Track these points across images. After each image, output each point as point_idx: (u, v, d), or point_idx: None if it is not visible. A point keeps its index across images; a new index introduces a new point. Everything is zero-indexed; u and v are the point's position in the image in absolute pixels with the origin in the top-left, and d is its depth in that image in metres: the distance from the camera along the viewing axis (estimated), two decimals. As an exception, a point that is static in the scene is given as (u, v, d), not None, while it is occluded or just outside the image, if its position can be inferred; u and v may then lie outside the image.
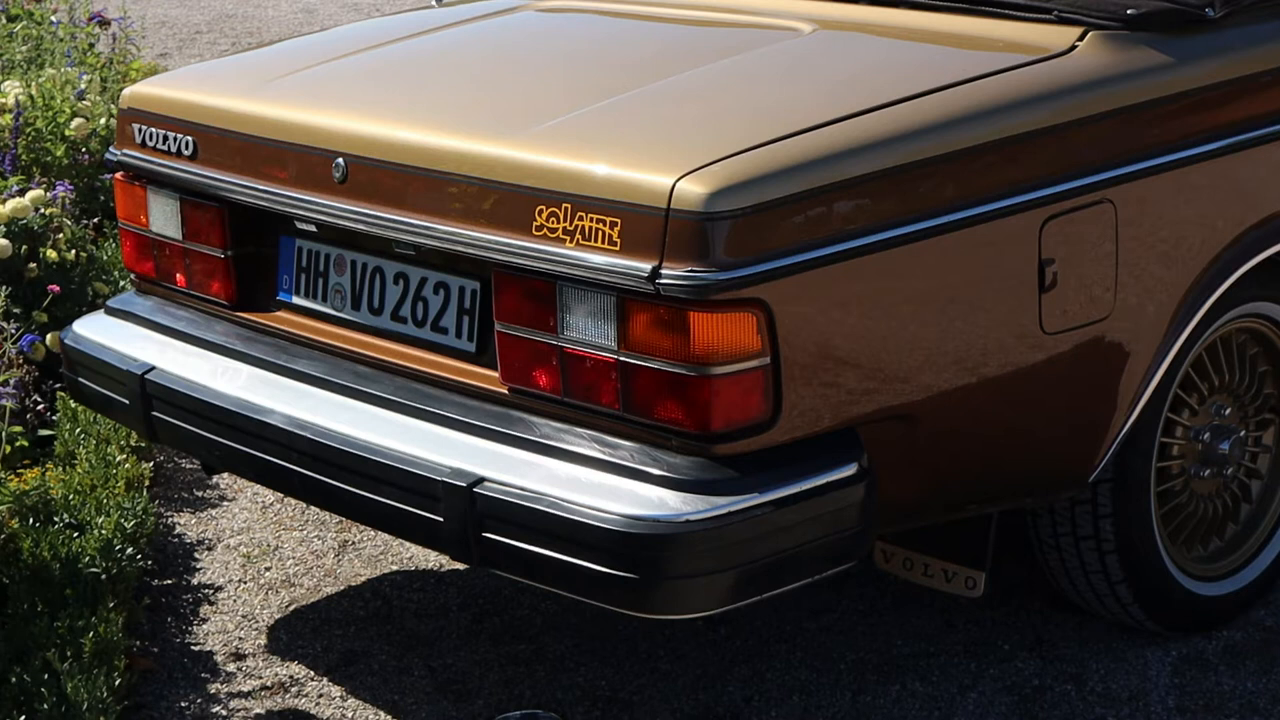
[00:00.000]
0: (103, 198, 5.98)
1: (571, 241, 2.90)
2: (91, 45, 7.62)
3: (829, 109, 3.04)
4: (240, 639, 3.87)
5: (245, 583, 4.12)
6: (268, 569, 4.18)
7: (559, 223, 2.92)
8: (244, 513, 4.50)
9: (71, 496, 3.93)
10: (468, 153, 3.10)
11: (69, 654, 3.38)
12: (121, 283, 5.12)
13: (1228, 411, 3.66)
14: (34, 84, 6.17)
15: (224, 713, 3.59)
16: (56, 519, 3.84)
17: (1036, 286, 3.14)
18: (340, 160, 3.25)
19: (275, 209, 3.42)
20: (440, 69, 3.72)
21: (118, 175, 3.78)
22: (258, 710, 3.60)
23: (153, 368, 3.53)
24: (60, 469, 4.18)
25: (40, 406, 4.49)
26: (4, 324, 4.45)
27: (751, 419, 2.88)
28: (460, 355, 3.23)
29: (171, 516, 4.47)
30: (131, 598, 3.84)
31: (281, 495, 4.44)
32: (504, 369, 3.10)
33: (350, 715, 3.56)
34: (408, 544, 4.19)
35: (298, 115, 3.41)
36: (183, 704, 3.61)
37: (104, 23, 7.89)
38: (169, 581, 4.14)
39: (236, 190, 3.48)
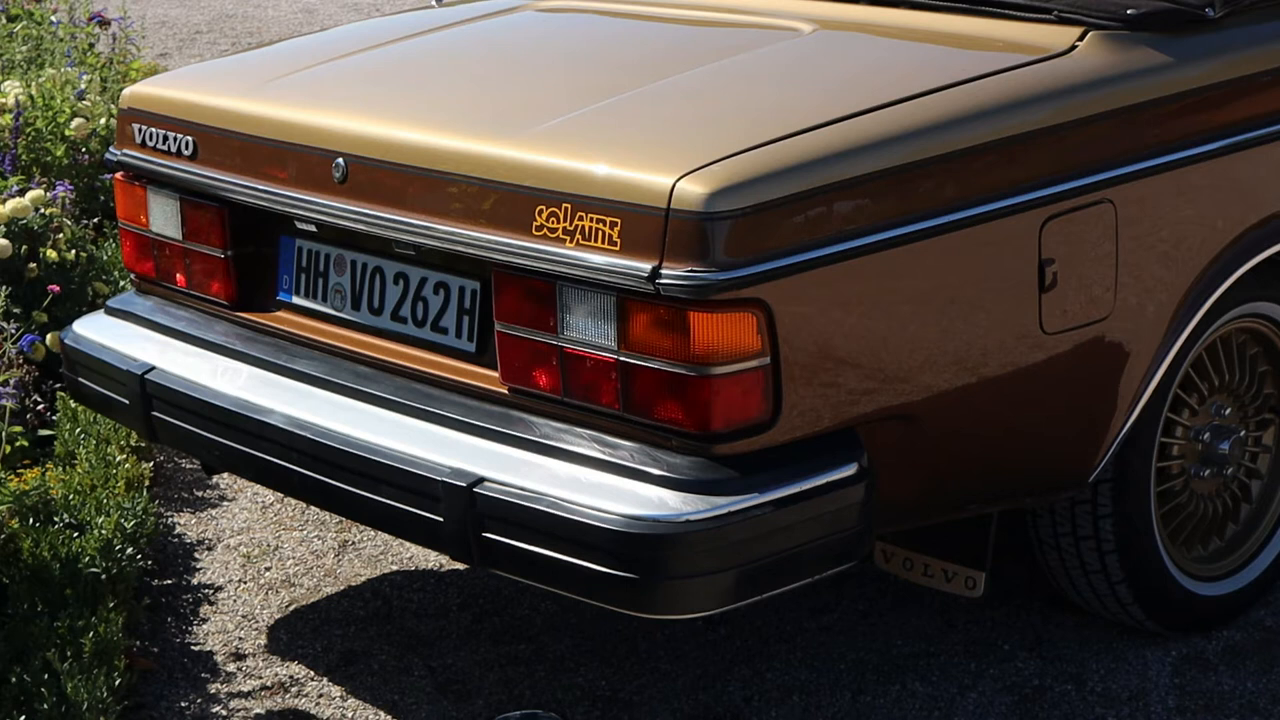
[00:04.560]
0: (103, 198, 5.98)
1: (571, 241, 2.90)
2: (91, 45, 7.62)
3: (829, 109, 3.04)
4: (240, 639, 3.87)
5: (245, 583, 4.12)
6: (268, 569, 4.18)
7: (559, 223, 2.92)
8: (244, 513, 4.50)
9: (71, 496, 3.93)
10: (468, 153, 3.10)
11: (69, 654, 3.37)
12: (121, 283, 5.12)
13: (1228, 411, 3.66)
14: (34, 84, 6.17)
15: (224, 713, 3.59)
16: (56, 519, 3.84)
17: (1036, 286, 3.14)
18: (340, 160, 3.25)
19: (275, 209, 3.42)
20: (440, 69, 3.72)
21: (118, 175, 3.78)
22: (258, 710, 3.60)
23: (153, 368, 3.53)
24: (60, 469, 4.18)
25: (40, 406, 4.49)
26: (4, 324, 4.45)
27: (751, 419, 2.88)
28: (460, 355, 3.23)
29: (171, 516, 4.47)
30: (131, 598, 3.84)
31: (281, 495, 4.44)
32: (504, 369, 3.10)
33: (350, 715, 3.56)
34: (408, 544, 4.19)
35: (298, 115, 3.41)
36: (183, 704, 3.61)
37: (104, 23, 7.89)
38: (169, 581, 4.14)
39: (236, 190, 3.48)
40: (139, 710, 3.58)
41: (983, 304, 3.11)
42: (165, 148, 3.62)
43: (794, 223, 2.87)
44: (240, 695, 3.65)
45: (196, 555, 4.27)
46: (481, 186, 3.05)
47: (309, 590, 4.07)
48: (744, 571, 2.87)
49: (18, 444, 4.16)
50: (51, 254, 4.97)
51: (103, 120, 6.17)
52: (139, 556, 3.89)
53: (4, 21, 7.58)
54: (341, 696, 3.63)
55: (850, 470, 2.94)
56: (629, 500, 2.85)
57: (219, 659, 3.79)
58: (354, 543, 4.28)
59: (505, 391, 3.11)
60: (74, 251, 5.07)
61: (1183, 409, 3.59)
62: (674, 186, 2.81)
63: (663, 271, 2.80)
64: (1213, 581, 3.74)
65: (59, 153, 5.93)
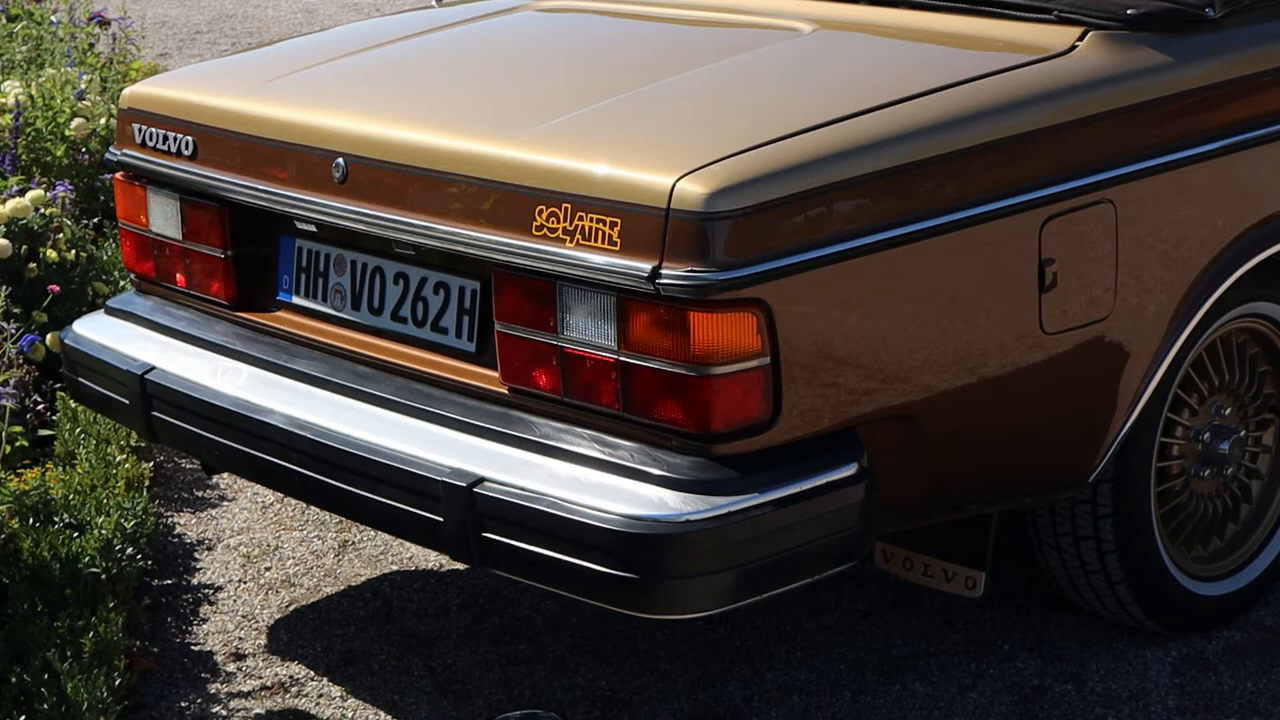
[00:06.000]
0: (103, 198, 5.98)
1: (571, 241, 2.90)
2: (91, 45, 7.62)
3: (829, 109, 3.04)
4: (240, 639, 3.87)
5: (245, 583, 4.12)
6: (268, 569, 4.18)
7: (559, 223, 2.92)
8: (244, 513, 4.50)
9: (71, 496, 3.93)
10: (468, 153, 3.10)
11: (69, 654, 3.38)
12: (121, 283, 5.12)
13: (1228, 411, 3.66)
14: (34, 84, 6.17)
15: (224, 713, 3.59)
16: (56, 519, 3.84)
17: (1036, 286, 3.14)
18: (340, 160, 3.26)
19: (275, 209, 3.42)
20: (440, 69, 3.72)
21: (118, 175, 3.78)
22: (258, 710, 3.60)
23: (153, 368, 3.53)
24: (60, 469, 4.18)
25: (40, 406, 4.49)
26: (4, 324, 4.45)
27: (751, 419, 2.88)
28: (460, 355, 3.23)
29: (171, 516, 4.47)
30: (131, 598, 3.84)
31: (281, 495, 4.44)
32: (504, 369, 3.10)
33: (350, 715, 3.56)
34: (408, 544, 4.19)
35: (298, 115, 3.41)
36: (183, 704, 3.61)
37: (104, 23, 7.89)
38: (169, 581, 4.14)
39: (236, 190, 3.48)
40: (139, 710, 3.58)
41: (983, 304, 3.11)
42: (165, 148, 3.63)
43: (794, 223, 2.87)
44: (240, 695, 3.65)
45: (196, 555, 4.27)
46: (481, 186, 3.05)
47: (309, 590, 4.07)
48: (744, 571, 2.87)
49: (18, 444, 4.16)
50: (51, 254, 4.97)
51: (103, 120, 6.17)
52: (139, 556, 3.89)
53: (4, 21, 7.58)
54: (341, 696, 3.63)
55: (850, 470, 2.94)
56: (629, 500, 2.85)
57: (219, 659, 3.79)
58: (354, 543, 4.28)
59: (505, 391, 3.11)
60: (74, 251, 5.07)
61: (1183, 409, 3.59)
62: (674, 186, 2.81)
63: (663, 271, 2.80)
64: (1213, 581, 3.74)
65: (59, 153, 5.93)
